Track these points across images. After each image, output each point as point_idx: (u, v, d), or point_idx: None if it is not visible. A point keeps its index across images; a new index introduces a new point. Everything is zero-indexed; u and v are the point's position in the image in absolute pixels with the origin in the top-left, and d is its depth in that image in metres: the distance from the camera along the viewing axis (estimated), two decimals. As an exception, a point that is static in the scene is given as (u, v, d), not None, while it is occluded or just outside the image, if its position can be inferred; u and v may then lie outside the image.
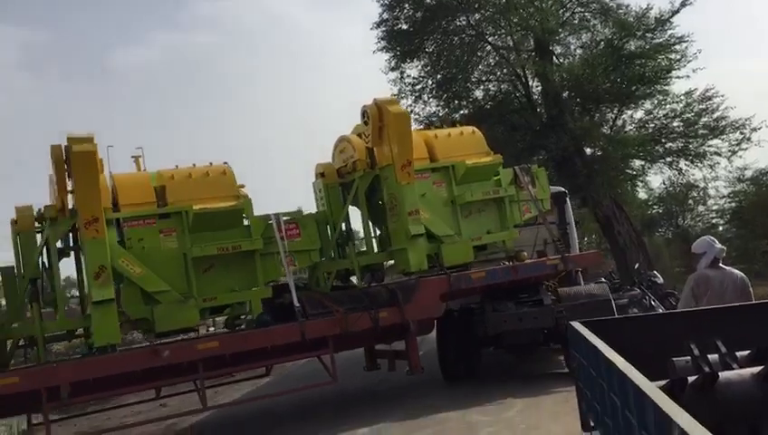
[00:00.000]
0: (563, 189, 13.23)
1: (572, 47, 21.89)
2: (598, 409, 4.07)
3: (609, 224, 20.52)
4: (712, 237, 6.83)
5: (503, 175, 11.15)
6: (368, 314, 9.35)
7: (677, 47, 19.91)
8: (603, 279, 14.97)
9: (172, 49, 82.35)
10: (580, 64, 20.14)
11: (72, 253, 9.34)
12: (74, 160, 8.22)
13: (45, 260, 9.03)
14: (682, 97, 20.31)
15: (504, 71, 21.34)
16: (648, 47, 20.01)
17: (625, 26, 20.10)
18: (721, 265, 6.52)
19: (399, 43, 20.91)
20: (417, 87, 21.18)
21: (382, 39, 20.94)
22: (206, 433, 10.33)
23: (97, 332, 8.12)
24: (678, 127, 20.51)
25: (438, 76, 20.93)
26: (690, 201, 27.30)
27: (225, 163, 9.81)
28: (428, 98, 21.27)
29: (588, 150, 20.84)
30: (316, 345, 9.30)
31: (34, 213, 9.01)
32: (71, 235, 9.23)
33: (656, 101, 20.61)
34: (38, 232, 9.08)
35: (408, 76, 21.32)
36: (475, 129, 11.74)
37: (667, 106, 20.57)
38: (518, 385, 10.04)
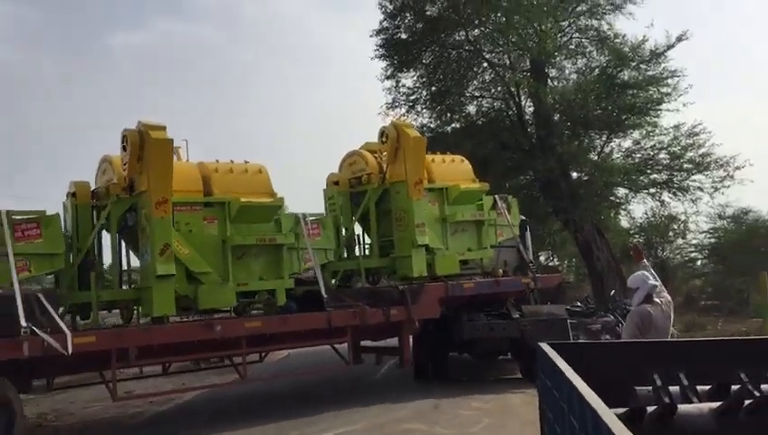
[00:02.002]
0: (525, 218, 16.49)
1: (567, 71, 24.15)
2: (558, 431, 4.40)
3: (589, 249, 22.92)
4: (646, 273, 7.86)
5: (485, 201, 14.44)
6: (381, 311, 12.15)
7: (670, 81, 22.30)
8: (579, 303, 17.88)
9: (174, 37, 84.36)
10: (574, 89, 22.44)
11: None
12: (151, 146, 10.27)
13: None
14: (670, 130, 22.55)
15: (499, 88, 23.71)
16: (641, 78, 22.40)
17: (620, 56, 22.38)
18: (655, 299, 7.61)
19: (397, 52, 23.37)
20: (412, 97, 23.70)
21: (381, 47, 23.42)
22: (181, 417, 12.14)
23: (156, 303, 10.32)
24: (664, 159, 22.83)
25: (433, 88, 23.48)
26: (671, 233, 29.63)
27: (247, 161, 12.12)
28: (422, 109, 23.91)
29: (574, 174, 23.19)
30: (335, 334, 11.90)
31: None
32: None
33: (644, 132, 22.85)
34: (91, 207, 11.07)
35: (404, 86, 23.84)
36: (464, 159, 14.96)
37: (655, 138, 22.80)
38: (483, 391, 12.26)
